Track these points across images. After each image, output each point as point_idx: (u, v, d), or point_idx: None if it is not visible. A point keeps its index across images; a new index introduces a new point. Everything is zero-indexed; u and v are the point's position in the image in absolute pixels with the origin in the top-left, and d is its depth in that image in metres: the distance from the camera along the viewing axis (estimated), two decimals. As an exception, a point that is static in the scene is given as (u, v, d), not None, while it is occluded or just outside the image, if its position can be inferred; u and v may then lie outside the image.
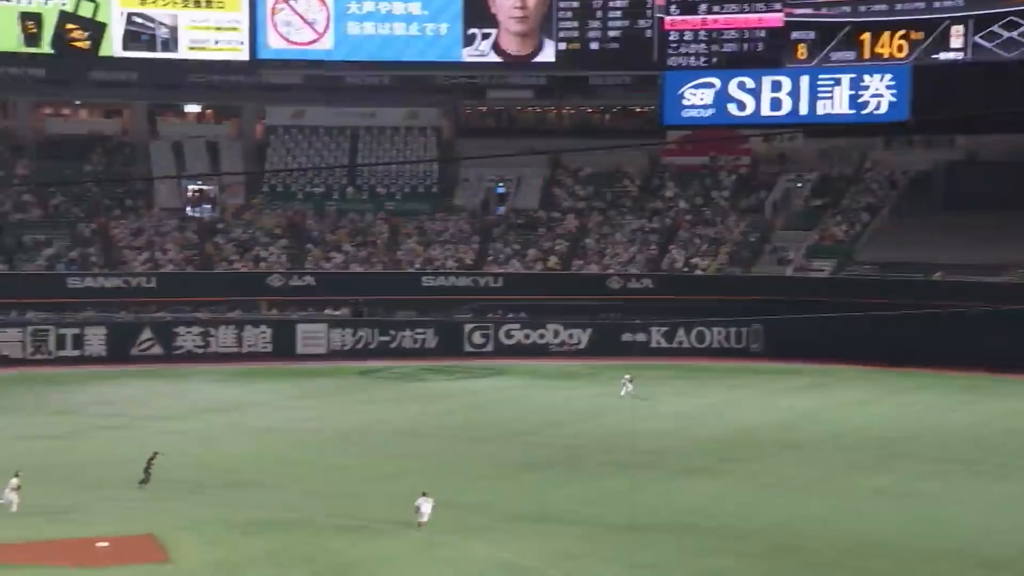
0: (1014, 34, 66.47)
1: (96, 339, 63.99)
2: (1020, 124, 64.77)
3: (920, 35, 68.53)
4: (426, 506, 32.80)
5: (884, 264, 66.90)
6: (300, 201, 76.20)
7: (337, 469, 40.71)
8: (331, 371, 62.41)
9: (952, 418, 51.23)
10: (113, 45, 73.61)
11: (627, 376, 54.45)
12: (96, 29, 73.07)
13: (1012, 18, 66.43)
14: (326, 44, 75.97)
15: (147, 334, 64.59)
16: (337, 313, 68.36)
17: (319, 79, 77.57)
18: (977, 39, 67.35)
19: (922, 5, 68.65)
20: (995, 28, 66.81)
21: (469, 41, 75.89)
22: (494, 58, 76.45)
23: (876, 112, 69.75)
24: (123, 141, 78.57)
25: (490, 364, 64.37)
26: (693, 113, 73.09)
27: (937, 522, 34.40)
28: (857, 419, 50.78)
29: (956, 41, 67.83)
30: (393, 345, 66.47)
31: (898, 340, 60.23)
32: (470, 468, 40.80)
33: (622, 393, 53.54)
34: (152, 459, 37.21)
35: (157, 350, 64.35)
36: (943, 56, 68.23)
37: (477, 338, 67.36)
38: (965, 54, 67.75)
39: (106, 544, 30.80)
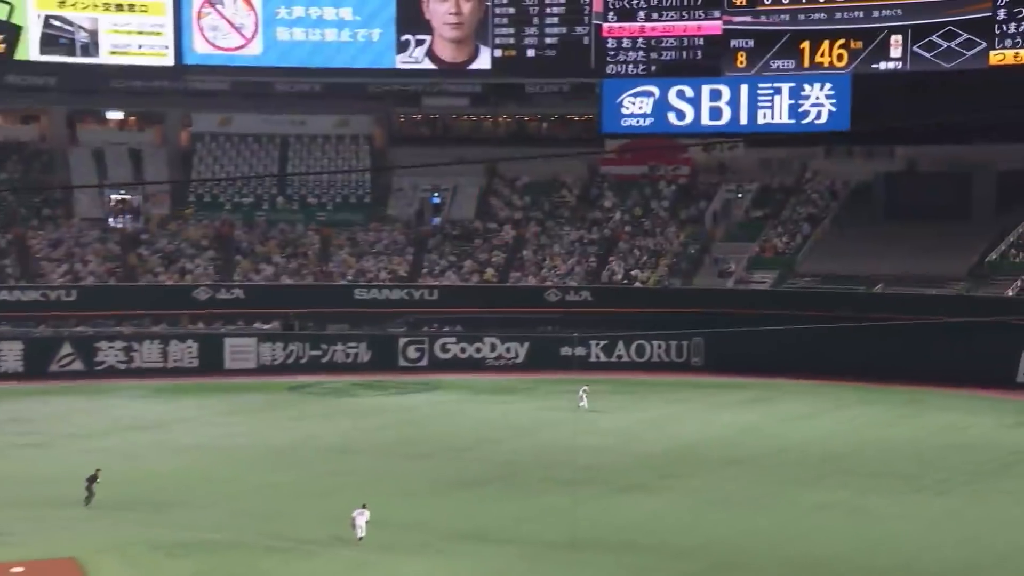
0: (952, 44, 66.56)
1: (12, 354, 62.04)
2: (958, 135, 65.30)
3: (859, 44, 68.46)
4: (361, 519, 32.17)
5: (825, 276, 66.69)
6: (228, 211, 74.44)
7: (267, 487, 39.68)
8: (261, 386, 60.99)
9: (893, 432, 50.89)
10: (30, 49, 71.59)
11: (584, 388, 54.09)
12: (11, 32, 71.11)
13: (950, 28, 66.48)
14: (254, 50, 74.47)
15: (67, 349, 62.71)
16: (267, 327, 66.87)
17: (247, 85, 75.97)
18: (915, 49, 67.40)
19: (861, 14, 68.53)
20: (933, 38, 66.95)
21: (403, 48, 74.80)
22: (428, 65, 75.34)
23: (816, 122, 69.57)
24: (41, 148, 76.22)
25: (425, 379, 63.29)
26: (632, 122, 72.36)
27: (880, 538, 34.09)
28: (799, 433, 50.26)
29: (895, 51, 67.87)
30: (325, 359, 65.13)
31: (840, 353, 59.95)
32: (404, 485, 39.88)
33: (580, 404, 53.11)
34: (94, 477, 36.28)
35: (78, 366, 62.46)
36: (882, 66, 68.18)
37: (411, 352, 66.14)
38: (904, 64, 67.77)
39: (21, 569, 29.50)
